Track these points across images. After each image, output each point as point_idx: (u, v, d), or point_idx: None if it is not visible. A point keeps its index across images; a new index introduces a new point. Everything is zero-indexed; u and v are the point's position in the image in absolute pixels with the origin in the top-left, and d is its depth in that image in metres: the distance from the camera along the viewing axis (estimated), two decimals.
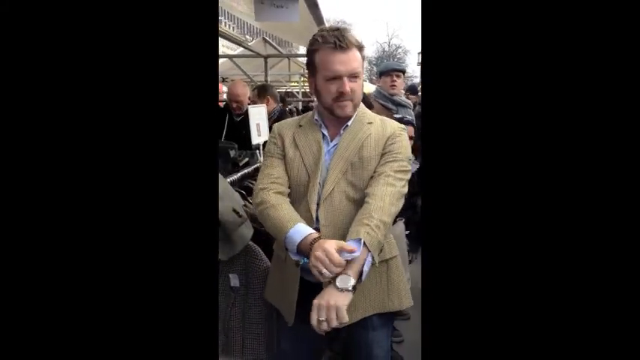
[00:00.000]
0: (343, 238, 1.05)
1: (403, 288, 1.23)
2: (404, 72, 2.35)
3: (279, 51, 6.77)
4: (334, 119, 1.15)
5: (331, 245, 0.96)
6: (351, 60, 1.06)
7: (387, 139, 1.13)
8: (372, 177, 1.11)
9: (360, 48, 1.10)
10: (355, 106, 1.13)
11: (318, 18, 3.36)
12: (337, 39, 1.05)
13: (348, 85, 1.07)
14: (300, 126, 1.20)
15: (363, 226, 1.00)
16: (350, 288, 0.96)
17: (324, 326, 0.95)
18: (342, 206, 1.11)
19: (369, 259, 1.00)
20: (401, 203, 1.10)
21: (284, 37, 6.93)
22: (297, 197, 1.15)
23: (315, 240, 1.00)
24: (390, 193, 1.06)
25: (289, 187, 1.17)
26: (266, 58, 5.69)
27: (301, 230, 1.04)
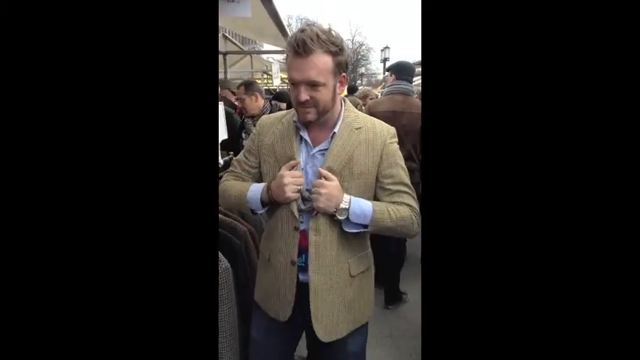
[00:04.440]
0: (332, 244, 1.11)
1: (371, 296, 1.25)
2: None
3: (240, 47, 6.67)
4: (316, 123, 1.10)
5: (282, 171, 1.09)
6: (308, 67, 0.99)
7: (382, 148, 1.11)
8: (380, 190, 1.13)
9: (333, 52, 1.01)
10: (320, 113, 1.06)
11: (273, 13, 3.33)
12: (297, 43, 0.98)
13: (304, 94, 1.01)
14: (282, 123, 1.17)
15: (389, 205, 1.10)
16: (341, 216, 1.07)
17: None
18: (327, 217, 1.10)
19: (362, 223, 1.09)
20: None
21: (244, 34, 6.85)
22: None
23: (268, 185, 1.12)
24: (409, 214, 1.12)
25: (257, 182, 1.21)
26: (225, 54, 5.60)
27: (256, 187, 1.15)
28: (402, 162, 1.16)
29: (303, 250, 1.12)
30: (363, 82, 26.56)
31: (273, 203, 1.12)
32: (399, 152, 1.16)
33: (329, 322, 1.13)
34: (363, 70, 31.10)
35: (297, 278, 1.13)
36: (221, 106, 2.61)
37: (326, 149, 1.10)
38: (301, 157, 1.11)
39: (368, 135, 1.11)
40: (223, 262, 1.33)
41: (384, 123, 1.18)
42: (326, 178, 1.06)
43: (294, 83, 1.03)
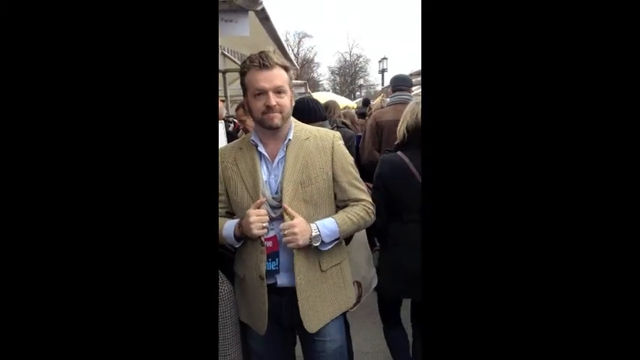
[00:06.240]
0: (301, 251, 1.24)
1: (351, 285, 1.41)
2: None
3: (239, 65, 6.72)
4: (272, 137, 1.27)
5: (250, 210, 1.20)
6: (275, 77, 1.20)
7: (332, 151, 1.29)
8: (341, 190, 1.30)
9: (286, 68, 1.24)
10: (284, 118, 1.24)
11: (271, 31, 3.36)
12: (261, 59, 1.19)
13: (273, 99, 1.20)
14: (241, 149, 1.30)
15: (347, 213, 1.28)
16: (316, 243, 1.22)
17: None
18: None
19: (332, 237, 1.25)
20: None
21: (242, 52, 6.90)
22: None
23: (239, 222, 1.24)
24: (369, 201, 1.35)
25: (231, 208, 1.33)
26: (224, 72, 5.64)
27: (229, 225, 1.27)
28: (351, 160, 1.35)
29: (276, 255, 1.26)
30: (362, 93, 26.72)
31: (245, 237, 1.27)
32: (347, 151, 1.34)
33: (313, 316, 1.27)
34: (361, 81, 31.35)
35: (275, 283, 1.28)
36: (221, 125, 2.62)
37: (282, 157, 1.27)
38: (262, 171, 1.27)
39: (316, 142, 1.29)
40: (226, 285, 1.31)
41: (325, 129, 1.38)
42: (290, 217, 1.20)
43: (262, 92, 1.20)
